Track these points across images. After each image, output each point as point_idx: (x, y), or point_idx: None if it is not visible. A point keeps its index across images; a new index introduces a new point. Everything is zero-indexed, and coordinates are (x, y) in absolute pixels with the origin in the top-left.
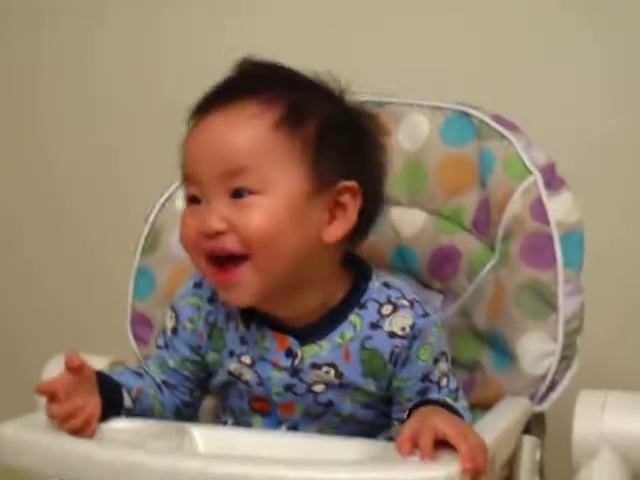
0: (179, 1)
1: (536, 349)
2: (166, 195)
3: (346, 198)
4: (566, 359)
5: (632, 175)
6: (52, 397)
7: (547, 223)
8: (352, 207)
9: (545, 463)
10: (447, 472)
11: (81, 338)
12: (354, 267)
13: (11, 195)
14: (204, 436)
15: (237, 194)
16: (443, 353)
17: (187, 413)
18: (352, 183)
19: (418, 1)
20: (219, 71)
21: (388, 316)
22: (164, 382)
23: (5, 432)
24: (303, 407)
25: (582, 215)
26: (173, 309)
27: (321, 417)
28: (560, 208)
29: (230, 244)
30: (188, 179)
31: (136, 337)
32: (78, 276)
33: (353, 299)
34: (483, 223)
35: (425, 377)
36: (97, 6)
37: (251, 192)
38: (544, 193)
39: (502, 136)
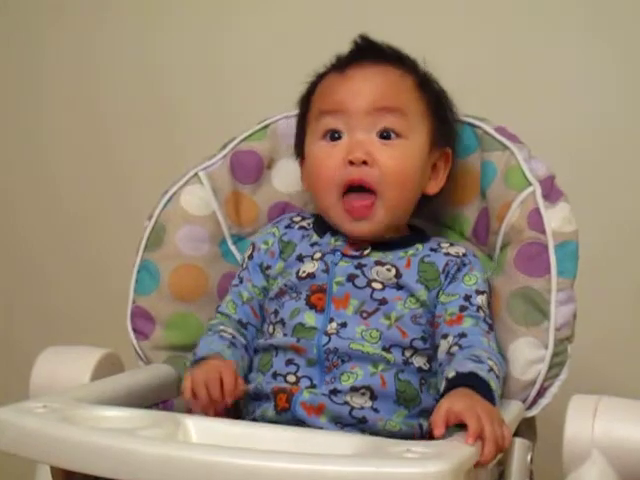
0: (180, 3)
1: (526, 355)
2: (171, 192)
3: (441, 161)
4: (556, 366)
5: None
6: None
7: (543, 232)
8: (444, 170)
9: (535, 467)
10: (437, 469)
11: (77, 330)
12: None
13: (11, 188)
14: (197, 427)
15: (385, 134)
16: (486, 292)
17: None
18: (449, 150)
19: (422, 9)
20: (219, 73)
21: (446, 247)
22: (239, 322)
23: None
24: (357, 302)
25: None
26: (251, 243)
27: (371, 316)
28: (557, 218)
29: (370, 177)
30: (333, 112)
31: (136, 331)
32: (76, 268)
33: (419, 234)
34: (483, 233)
35: (467, 297)
36: (98, 7)
37: (397, 135)
38: (542, 203)
39: (504, 147)
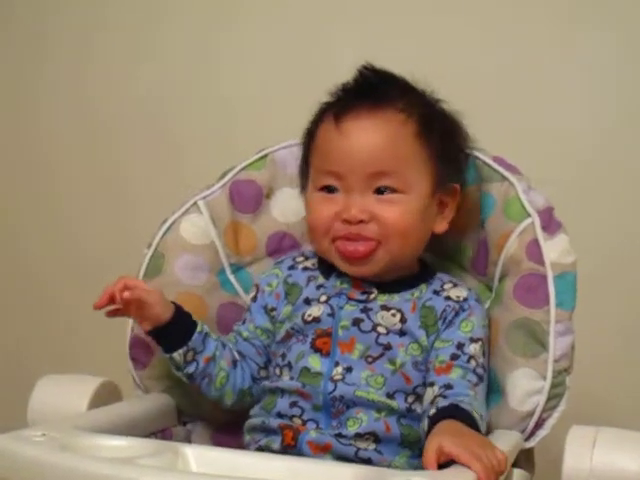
0: (179, 7)
1: (525, 386)
2: (170, 220)
3: (448, 197)
4: (555, 397)
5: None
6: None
7: (542, 264)
8: (452, 204)
9: None
10: None
11: (76, 358)
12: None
13: (11, 200)
14: (197, 455)
15: (380, 191)
16: (481, 340)
17: (247, 399)
18: (456, 185)
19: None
20: (218, 78)
21: (448, 289)
22: (238, 352)
23: None
24: (362, 347)
25: (576, 258)
26: (255, 284)
27: (376, 361)
28: (556, 249)
29: (368, 232)
30: (329, 173)
31: (134, 360)
32: (76, 295)
33: (425, 273)
34: (482, 263)
35: (460, 346)
36: (99, 9)
37: (393, 190)
38: (540, 235)
39: (503, 178)
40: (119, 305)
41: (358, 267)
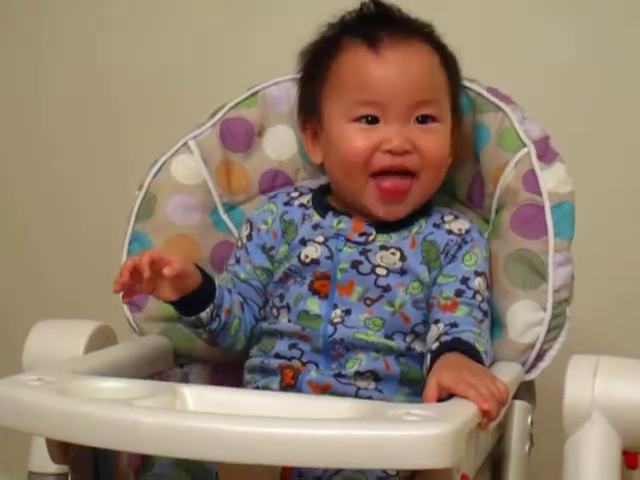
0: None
1: (525, 317)
2: (161, 161)
3: (454, 129)
4: (555, 328)
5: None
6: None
7: (539, 193)
8: (455, 137)
9: (535, 431)
10: (437, 431)
11: (71, 303)
12: None
13: (10, 170)
14: (194, 395)
15: (422, 120)
16: (485, 274)
17: (252, 341)
18: (459, 116)
19: None
20: (216, 72)
21: (449, 222)
22: (239, 294)
23: None
24: (361, 289)
25: (574, 187)
26: (247, 220)
27: (374, 304)
28: (552, 179)
29: (411, 162)
30: (368, 103)
31: (129, 302)
32: (69, 242)
33: (423, 209)
34: (478, 196)
35: (464, 280)
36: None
37: (434, 119)
38: (537, 164)
39: (497, 108)
40: (146, 276)
41: (393, 207)
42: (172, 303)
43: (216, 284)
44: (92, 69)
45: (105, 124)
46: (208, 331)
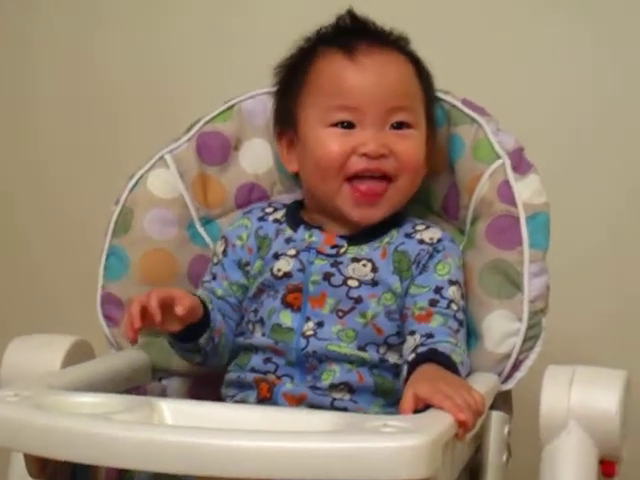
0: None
1: (501, 328)
2: (137, 176)
3: (433, 139)
4: (531, 339)
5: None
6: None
7: (514, 204)
8: (430, 147)
9: (512, 441)
10: (414, 442)
11: (48, 317)
12: None
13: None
14: (172, 409)
15: (397, 126)
16: (459, 282)
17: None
18: (434, 127)
19: None
20: (213, 72)
21: (420, 231)
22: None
23: None
24: (333, 302)
25: (552, 197)
26: (223, 236)
27: (347, 315)
28: (527, 190)
29: (388, 166)
30: (344, 108)
31: (107, 317)
32: (48, 255)
33: (395, 219)
34: (453, 207)
35: (438, 290)
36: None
37: (408, 126)
38: (511, 176)
39: (472, 120)
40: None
41: (368, 210)
42: (172, 334)
43: (210, 307)
44: (85, 71)
45: (97, 127)
46: (203, 354)
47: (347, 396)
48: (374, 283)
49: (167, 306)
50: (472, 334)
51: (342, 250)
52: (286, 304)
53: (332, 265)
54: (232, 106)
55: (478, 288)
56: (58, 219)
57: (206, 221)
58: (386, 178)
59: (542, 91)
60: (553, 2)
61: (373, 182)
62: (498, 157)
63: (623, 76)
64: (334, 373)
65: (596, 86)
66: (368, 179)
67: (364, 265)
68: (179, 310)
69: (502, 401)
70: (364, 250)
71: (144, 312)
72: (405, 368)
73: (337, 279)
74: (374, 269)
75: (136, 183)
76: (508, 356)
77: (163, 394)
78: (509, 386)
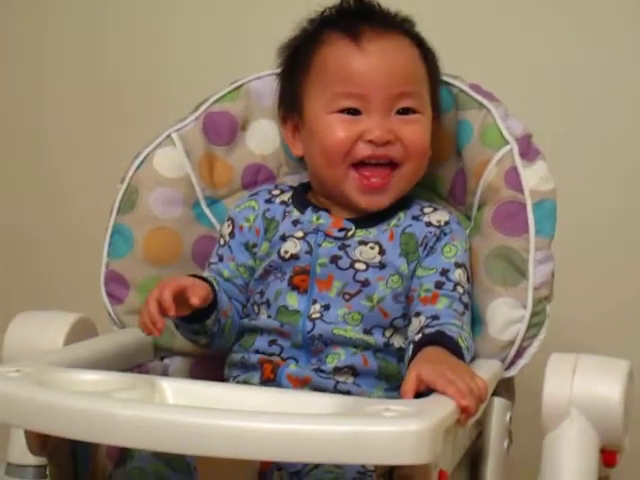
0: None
1: (505, 315)
2: (143, 154)
3: (433, 123)
4: (535, 326)
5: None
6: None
7: (521, 191)
8: (433, 130)
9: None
10: (416, 427)
11: (51, 294)
12: None
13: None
14: (174, 388)
15: (403, 111)
16: (465, 265)
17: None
18: (437, 110)
19: None
20: (201, 65)
21: (428, 214)
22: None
23: None
24: (340, 284)
25: (556, 185)
26: (229, 217)
27: (353, 298)
28: (534, 177)
29: (394, 152)
30: (350, 95)
31: (110, 295)
32: (51, 232)
33: (402, 201)
34: (460, 192)
35: (444, 272)
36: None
37: (414, 111)
38: (519, 162)
39: (481, 105)
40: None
41: (375, 197)
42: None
43: (217, 288)
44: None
45: (99, 109)
46: (209, 335)
47: (350, 379)
48: (382, 266)
49: (179, 297)
50: (476, 320)
51: (350, 233)
52: (293, 286)
53: (340, 248)
54: (240, 86)
55: (483, 274)
56: (60, 197)
57: (212, 201)
58: (392, 164)
59: (545, 78)
60: None
61: (379, 169)
62: (506, 143)
63: (621, 65)
64: (339, 356)
65: (596, 71)
66: (374, 166)
67: (371, 248)
68: (195, 301)
69: (504, 388)
70: (372, 233)
71: (159, 306)
72: (410, 347)
73: (344, 262)
74: (381, 252)
75: (142, 161)
76: (512, 343)
77: (165, 373)
78: (512, 373)
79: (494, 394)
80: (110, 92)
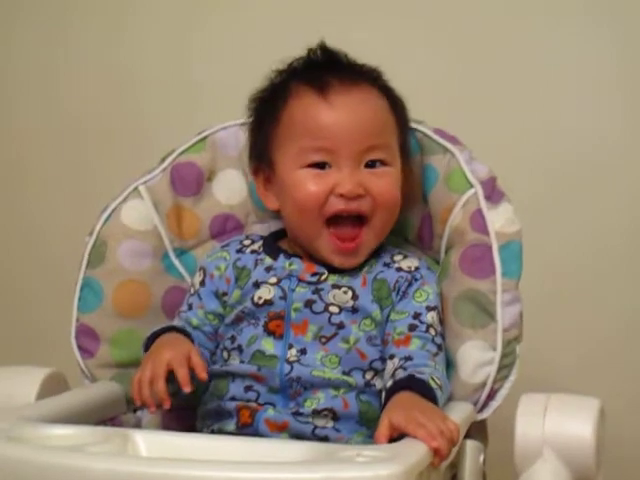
0: (147, 12)
1: (475, 357)
2: (111, 207)
3: (403, 172)
4: (506, 367)
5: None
6: None
7: (486, 233)
8: (403, 178)
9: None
10: (389, 472)
11: (22, 349)
12: None
13: None
14: (146, 440)
15: (372, 164)
16: (437, 308)
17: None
18: (407, 159)
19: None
20: (184, 103)
21: (398, 261)
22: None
23: None
24: (316, 328)
25: (524, 225)
26: (201, 267)
27: (330, 341)
28: (500, 219)
29: (365, 206)
30: (319, 149)
31: (81, 349)
32: (23, 287)
33: (373, 250)
34: (427, 236)
35: (416, 315)
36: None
37: (383, 163)
38: (484, 205)
39: (445, 149)
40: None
41: (348, 258)
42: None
43: (195, 342)
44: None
45: (70, 159)
46: (199, 391)
47: (330, 423)
48: (354, 310)
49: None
50: (448, 364)
51: (323, 277)
52: (268, 332)
53: (313, 292)
54: (205, 137)
55: (452, 318)
56: (34, 253)
57: (181, 252)
58: (361, 218)
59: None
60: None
61: (348, 228)
62: (471, 186)
63: (586, 102)
64: (318, 400)
65: (562, 110)
66: (344, 225)
67: (345, 292)
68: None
69: (477, 430)
70: (344, 278)
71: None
72: (383, 395)
73: (319, 306)
74: (354, 297)
75: (110, 215)
76: (483, 385)
77: (138, 425)
78: (485, 415)
79: (467, 437)
80: (80, 148)
